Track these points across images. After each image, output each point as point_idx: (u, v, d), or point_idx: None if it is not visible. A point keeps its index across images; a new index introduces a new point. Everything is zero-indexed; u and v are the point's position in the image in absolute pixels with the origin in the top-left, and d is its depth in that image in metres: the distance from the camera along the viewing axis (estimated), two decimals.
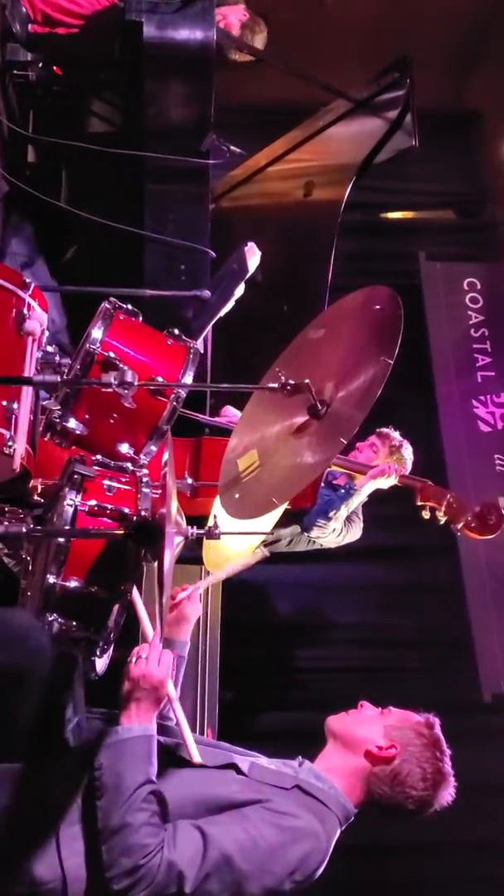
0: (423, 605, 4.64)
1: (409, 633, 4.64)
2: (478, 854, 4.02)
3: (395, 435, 3.76)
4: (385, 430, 3.76)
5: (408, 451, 3.75)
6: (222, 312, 3.48)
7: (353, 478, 3.75)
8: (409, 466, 3.69)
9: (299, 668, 4.54)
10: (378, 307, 1.92)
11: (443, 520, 3.24)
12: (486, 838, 3.98)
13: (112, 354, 2.09)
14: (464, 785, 1.97)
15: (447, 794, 1.94)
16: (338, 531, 3.54)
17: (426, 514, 3.28)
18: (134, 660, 1.87)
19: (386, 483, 3.47)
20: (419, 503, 3.28)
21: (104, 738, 1.79)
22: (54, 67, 4.20)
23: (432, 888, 4.01)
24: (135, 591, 2.02)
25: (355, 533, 3.66)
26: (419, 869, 4.00)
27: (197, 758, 1.83)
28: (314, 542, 3.64)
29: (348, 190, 4.20)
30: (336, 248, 4.17)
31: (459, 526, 3.18)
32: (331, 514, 3.45)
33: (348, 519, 3.62)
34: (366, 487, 3.47)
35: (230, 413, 3.56)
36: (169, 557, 1.66)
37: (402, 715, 2.01)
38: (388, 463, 3.55)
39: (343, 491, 3.51)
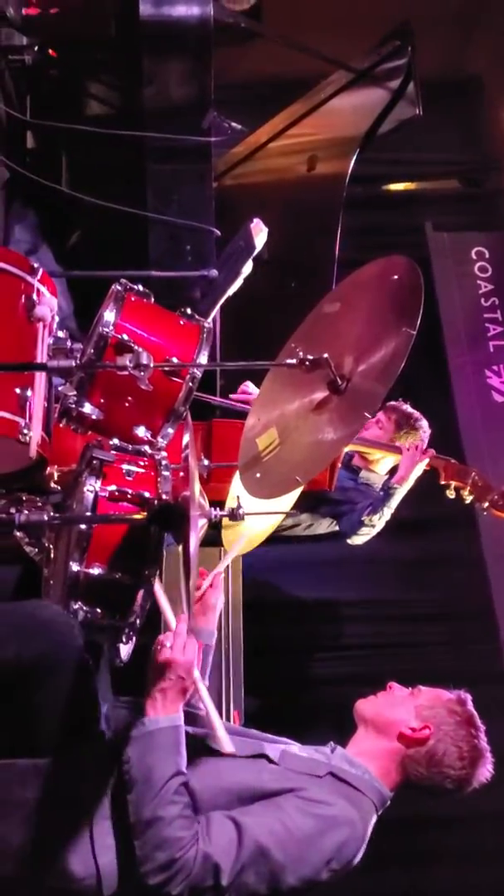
0: (443, 579, 4.62)
1: (430, 606, 4.62)
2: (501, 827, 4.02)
3: (405, 408, 3.66)
4: (393, 403, 3.66)
5: (423, 426, 3.65)
6: (230, 291, 3.44)
7: (366, 457, 3.70)
8: (426, 441, 3.61)
9: (323, 645, 4.53)
10: (396, 277, 1.88)
11: (468, 499, 3.20)
12: None
13: (125, 337, 2.06)
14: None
15: (485, 771, 1.93)
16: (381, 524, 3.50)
17: (451, 494, 3.24)
18: (158, 648, 1.85)
19: (421, 469, 3.38)
20: (444, 482, 3.24)
21: (131, 731, 1.78)
22: (50, 50, 4.15)
23: (459, 859, 4.00)
24: (155, 581, 2.00)
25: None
26: (445, 840, 4.00)
27: (229, 748, 1.81)
28: (335, 524, 3.61)
29: (352, 162, 4.14)
30: (342, 222, 4.12)
31: (485, 505, 3.15)
32: (374, 519, 3.41)
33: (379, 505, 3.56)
34: (406, 482, 3.37)
35: (249, 389, 3.51)
36: (194, 540, 1.64)
37: (432, 693, 2.00)
38: (413, 444, 3.46)
39: (381, 493, 3.45)
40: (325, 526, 3.64)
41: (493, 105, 5.65)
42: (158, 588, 1.97)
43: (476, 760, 1.91)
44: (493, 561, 4.44)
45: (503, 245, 5.24)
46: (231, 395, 3.46)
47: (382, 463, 3.69)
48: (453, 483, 3.21)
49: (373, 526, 3.40)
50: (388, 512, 3.38)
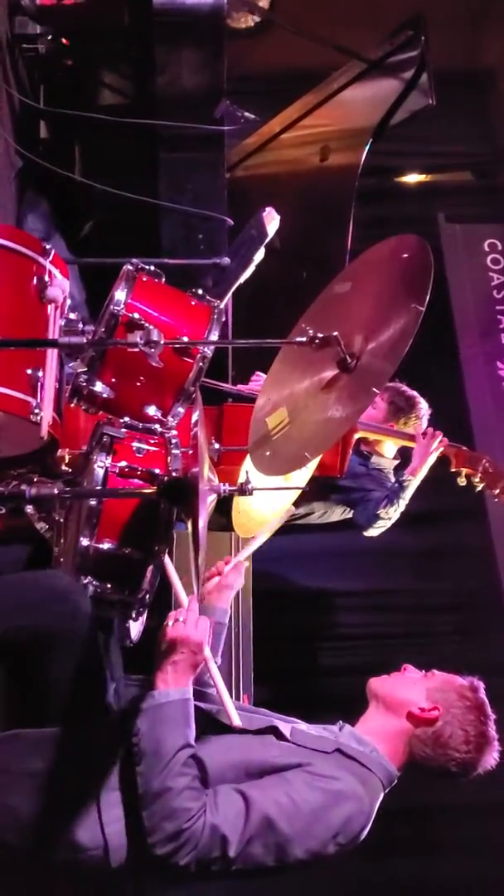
0: (453, 569, 4.63)
1: (440, 596, 4.63)
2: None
3: (400, 387, 3.59)
4: (391, 384, 3.58)
5: (421, 407, 3.59)
6: (242, 279, 3.44)
7: (368, 441, 3.69)
8: (426, 421, 3.58)
9: (332, 635, 4.55)
10: (406, 255, 1.88)
11: (479, 486, 3.19)
12: None
13: (136, 316, 2.07)
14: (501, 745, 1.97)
15: (491, 758, 1.94)
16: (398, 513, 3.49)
17: (462, 481, 3.23)
18: (171, 623, 1.86)
19: (434, 458, 3.36)
20: (454, 469, 3.23)
21: (141, 703, 1.79)
22: (63, 39, 4.16)
23: (467, 849, 4.01)
24: (166, 558, 2.00)
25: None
26: (453, 830, 4.00)
27: (237, 721, 1.83)
28: (349, 511, 3.60)
29: (365, 153, 4.14)
30: (354, 213, 4.12)
31: (496, 492, 3.14)
32: (390, 511, 3.40)
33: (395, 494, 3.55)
34: (420, 472, 3.36)
35: (260, 379, 3.51)
36: (203, 515, 1.65)
37: (445, 678, 2.01)
38: (426, 431, 3.44)
39: (396, 485, 3.44)
40: (338, 514, 3.64)
41: None
42: (169, 564, 1.98)
43: (482, 746, 1.92)
44: (502, 551, 4.43)
45: None
46: (241, 386, 3.47)
47: (387, 446, 3.67)
48: (464, 470, 3.20)
49: (388, 518, 3.40)
50: (402, 503, 3.38)
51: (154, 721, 1.76)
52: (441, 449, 3.34)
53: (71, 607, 1.79)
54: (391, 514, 3.40)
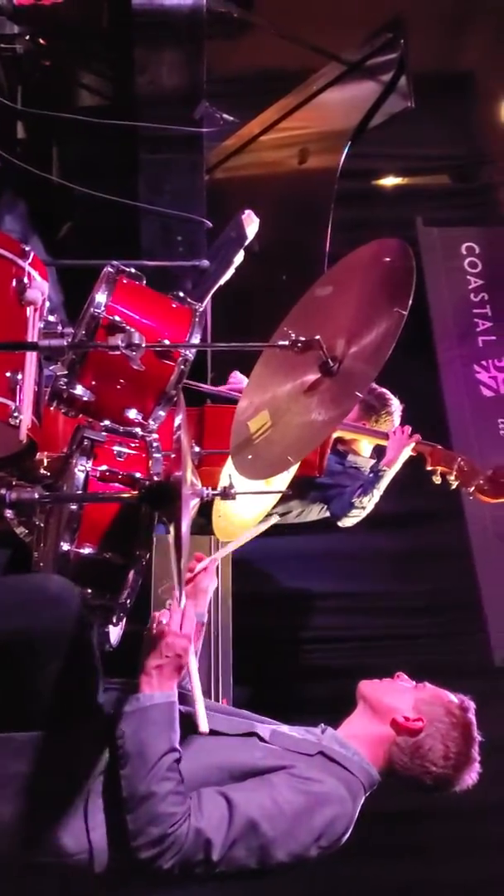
0: (431, 571, 4.64)
1: (418, 599, 4.64)
2: (488, 816, 4.04)
3: (373, 387, 3.59)
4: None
5: (393, 404, 3.63)
6: (222, 281, 3.44)
7: (344, 440, 3.70)
8: (397, 422, 3.60)
9: (310, 637, 4.55)
10: (388, 259, 1.89)
11: (454, 484, 3.21)
12: (497, 801, 4.00)
13: (117, 318, 2.05)
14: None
15: (468, 778, 1.93)
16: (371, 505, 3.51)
17: (437, 479, 3.25)
18: (155, 625, 1.85)
19: (408, 452, 3.39)
20: (430, 468, 3.25)
21: (125, 706, 1.77)
22: (41, 40, 4.13)
23: (442, 850, 4.03)
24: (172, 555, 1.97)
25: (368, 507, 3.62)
26: (428, 830, 4.02)
27: (204, 727, 1.80)
28: (324, 510, 3.61)
29: (343, 156, 4.15)
30: (332, 215, 4.13)
31: (471, 490, 3.16)
32: (364, 501, 3.41)
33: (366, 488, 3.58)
34: (395, 465, 3.38)
35: (237, 378, 3.50)
36: (186, 519, 1.64)
37: (436, 692, 2.00)
38: (399, 428, 3.47)
39: (371, 475, 3.46)
40: (315, 512, 3.65)
41: (484, 101, 5.65)
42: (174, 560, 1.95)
43: (462, 765, 1.91)
44: (480, 553, 4.46)
45: (493, 241, 5.26)
46: (220, 387, 3.46)
47: (363, 444, 3.70)
48: (439, 468, 3.22)
49: (363, 508, 3.42)
50: (377, 494, 3.40)
51: (139, 724, 1.74)
52: (414, 443, 3.37)
53: (66, 611, 1.77)
54: (365, 504, 3.42)
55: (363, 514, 3.44)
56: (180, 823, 1.66)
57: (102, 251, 3.64)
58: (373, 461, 3.68)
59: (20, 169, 3.94)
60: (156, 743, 1.72)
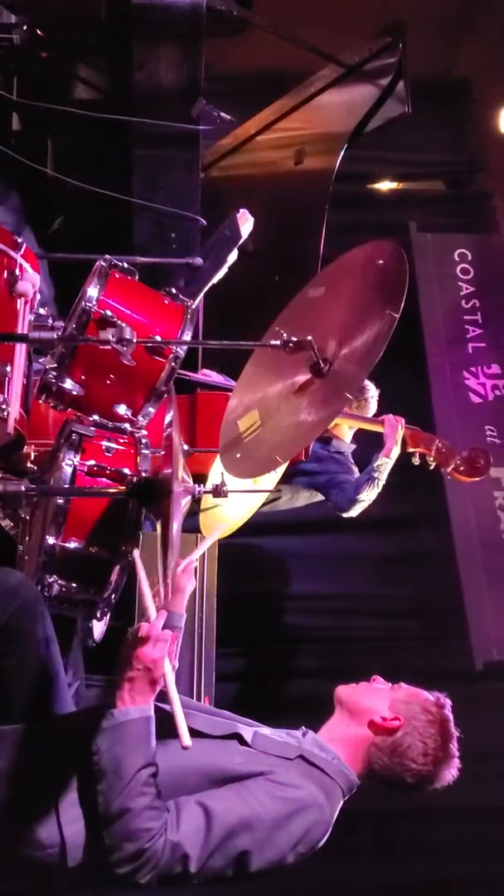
0: (415, 575, 4.66)
1: (401, 602, 4.66)
2: (467, 819, 4.06)
3: None
4: None
5: (371, 394, 3.70)
6: (215, 279, 3.43)
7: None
8: (374, 408, 3.66)
9: (293, 637, 4.56)
10: (381, 262, 1.89)
11: (432, 464, 3.29)
12: (476, 804, 4.02)
13: (108, 313, 2.04)
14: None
15: (448, 774, 1.94)
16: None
17: (416, 461, 3.33)
18: (131, 638, 1.84)
19: (400, 435, 3.44)
20: (410, 450, 3.31)
21: (101, 720, 1.76)
22: (38, 31, 4.11)
23: (422, 852, 4.04)
24: (138, 561, 1.97)
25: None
26: (409, 833, 4.04)
27: (187, 742, 1.79)
28: (315, 495, 3.63)
29: (340, 158, 4.15)
30: (327, 218, 4.13)
31: (449, 469, 3.24)
32: (371, 492, 3.45)
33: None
34: (393, 452, 3.42)
35: (212, 376, 3.53)
36: (177, 517, 1.63)
37: (411, 691, 2.02)
38: (392, 417, 3.50)
39: (371, 467, 3.47)
40: (304, 498, 3.70)
41: (480, 109, 5.68)
42: (139, 566, 1.95)
43: (441, 761, 1.92)
44: (464, 559, 4.48)
45: (486, 248, 5.28)
46: (204, 377, 3.47)
47: (344, 430, 3.75)
48: (418, 450, 3.29)
49: (368, 500, 3.48)
50: (380, 484, 3.44)
51: (114, 741, 1.73)
52: (403, 430, 3.43)
53: (27, 605, 1.76)
54: (371, 496, 3.47)
55: (366, 504, 3.49)
56: (156, 839, 1.66)
57: (95, 246, 3.62)
58: (353, 446, 3.72)
59: (14, 160, 3.92)
60: (131, 759, 1.71)
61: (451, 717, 1.96)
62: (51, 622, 1.85)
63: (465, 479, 3.29)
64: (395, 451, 3.41)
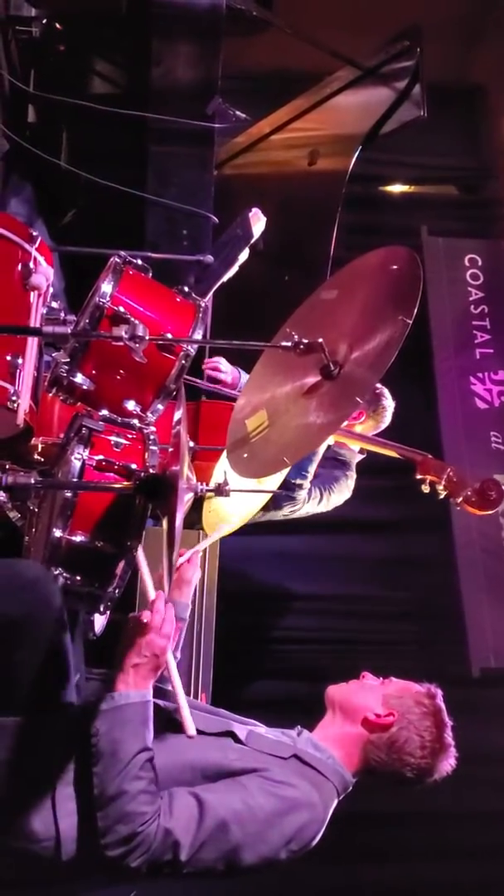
0: (415, 579, 4.66)
1: (400, 605, 4.66)
2: (462, 824, 4.07)
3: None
4: None
5: (387, 400, 3.59)
6: (225, 278, 3.44)
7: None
8: (388, 419, 3.61)
9: (292, 637, 4.56)
10: (395, 267, 1.89)
11: (442, 494, 3.21)
12: (472, 809, 4.03)
13: (122, 309, 2.05)
14: None
15: (447, 764, 1.95)
16: (316, 500, 3.47)
17: (426, 488, 3.23)
18: (133, 624, 1.85)
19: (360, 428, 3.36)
20: (419, 476, 3.25)
21: (100, 703, 1.78)
22: (57, 24, 4.12)
23: (419, 857, 4.05)
24: (140, 553, 1.99)
25: (343, 492, 3.59)
26: (405, 838, 4.04)
27: (192, 731, 1.82)
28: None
29: (353, 160, 4.16)
30: (338, 219, 4.14)
31: (459, 500, 3.16)
32: (300, 480, 3.34)
33: (334, 479, 3.55)
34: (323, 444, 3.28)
35: (221, 364, 3.50)
36: (180, 514, 1.64)
37: (402, 684, 2.02)
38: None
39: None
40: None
41: (494, 115, 5.68)
42: (142, 559, 1.96)
43: (438, 752, 1.93)
44: (464, 565, 4.48)
45: (496, 254, 5.28)
46: (204, 365, 3.45)
47: (356, 445, 3.70)
48: (428, 477, 3.22)
49: (294, 498, 3.34)
50: (308, 475, 3.31)
51: (113, 723, 1.75)
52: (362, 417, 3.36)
53: (43, 598, 1.78)
54: (302, 484, 3.34)
55: (299, 498, 3.35)
56: (149, 823, 1.68)
57: (106, 240, 3.64)
58: (360, 455, 3.70)
59: (29, 152, 3.93)
60: (129, 742, 1.73)
61: (443, 706, 1.98)
62: (65, 615, 1.86)
63: (476, 511, 3.19)
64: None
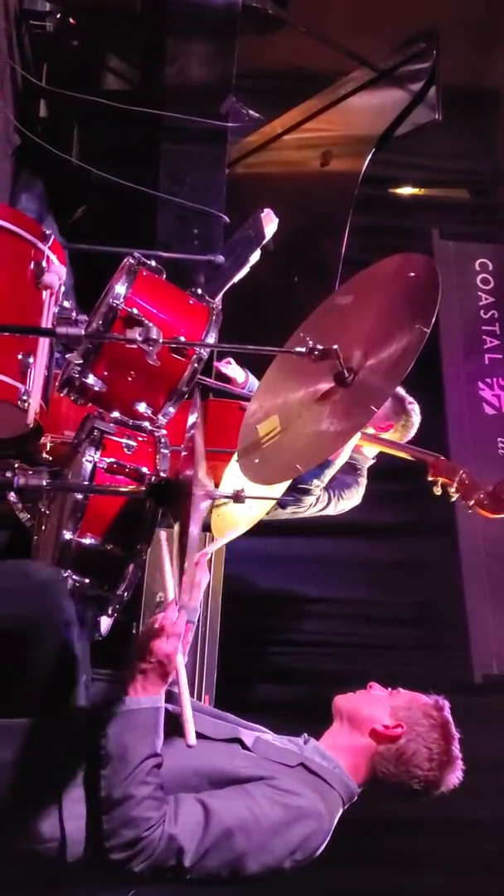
0: (419, 584, 4.65)
1: (404, 610, 4.65)
2: (465, 832, 4.06)
3: (404, 394, 3.58)
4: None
5: (416, 415, 3.60)
6: (236, 278, 3.42)
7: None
8: (414, 431, 3.61)
9: (296, 640, 4.56)
10: (413, 275, 1.88)
11: (454, 496, 3.19)
12: (474, 817, 4.02)
13: (135, 311, 2.04)
14: None
15: (454, 777, 1.95)
16: (322, 503, 3.46)
17: (437, 490, 3.23)
18: (146, 629, 1.84)
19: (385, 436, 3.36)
20: (431, 478, 3.23)
21: (111, 707, 1.77)
22: (71, 19, 4.11)
23: (423, 866, 4.05)
24: (166, 555, 1.96)
25: (354, 498, 3.59)
26: (410, 845, 4.04)
27: (192, 740, 1.80)
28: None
29: (366, 162, 4.13)
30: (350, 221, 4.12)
31: (471, 503, 3.14)
32: (315, 483, 3.32)
33: (346, 485, 3.56)
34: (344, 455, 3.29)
35: (232, 366, 3.49)
36: (196, 520, 1.63)
37: (410, 696, 2.02)
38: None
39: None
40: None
41: None
42: (166, 558, 1.94)
43: (446, 765, 1.93)
44: (469, 570, 4.47)
45: None
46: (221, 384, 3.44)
47: (369, 446, 3.69)
48: (440, 479, 3.21)
49: (301, 501, 3.33)
50: (324, 479, 3.30)
51: (123, 727, 1.75)
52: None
53: (54, 600, 1.77)
54: (314, 490, 3.33)
55: (306, 501, 3.35)
56: (154, 828, 1.67)
57: (116, 238, 3.64)
58: (373, 461, 3.68)
59: (40, 148, 3.92)
60: (138, 747, 1.73)
61: (450, 718, 1.98)
62: (76, 617, 1.85)
63: (489, 514, 3.16)
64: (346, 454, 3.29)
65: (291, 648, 4.54)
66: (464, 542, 4.48)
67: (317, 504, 3.44)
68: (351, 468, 3.63)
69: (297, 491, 3.31)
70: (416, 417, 3.60)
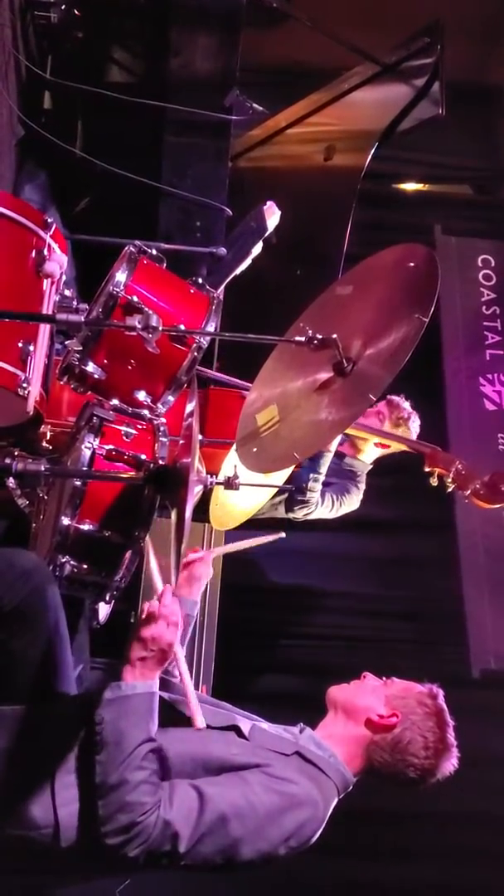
0: (418, 579, 4.65)
1: (402, 605, 4.65)
2: (463, 825, 4.07)
3: (406, 406, 3.67)
4: (396, 398, 3.68)
5: (415, 425, 3.69)
6: (238, 271, 3.43)
7: (356, 444, 3.72)
8: (415, 431, 3.65)
9: (294, 633, 4.57)
10: (413, 265, 1.88)
11: (451, 487, 3.20)
12: (471, 811, 4.03)
13: (135, 299, 2.04)
14: None
15: (450, 764, 1.96)
16: (328, 506, 3.50)
17: (434, 481, 3.24)
18: (143, 617, 1.85)
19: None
20: (427, 469, 3.25)
21: (106, 693, 1.78)
22: (76, 10, 4.11)
23: (419, 858, 4.05)
24: (148, 543, 1.98)
25: (353, 503, 3.62)
26: (406, 838, 4.04)
27: (201, 723, 1.81)
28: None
29: (370, 156, 4.13)
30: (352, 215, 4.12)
31: (467, 493, 3.16)
32: (313, 484, 3.39)
33: (345, 489, 3.60)
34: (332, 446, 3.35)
35: None
36: (190, 507, 1.64)
37: (404, 685, 2.03)
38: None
39: (308, 461, 3.41)
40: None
41: None
42: (150, 549, 1.96)
43: (441, 753, 1.94)
44: (467, 566, 4.47)
45: None
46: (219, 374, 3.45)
47: (369, 452, 3.71)
48: (437, 470, 3.22)
49: (305, 501, 3.38)
50: (318, 478, 3.36)
51: (118, 713, 1.75)
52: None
53: (36, 586, 1.78)
54: (307, 498, 3.39)
55: (311, 502, 3.40)
56: (150, 813, 1.68)
57: (119, 229, 3.64)
58: (370, 466, 3.70)
59: (44, 139, 3.92)
60: (134, 732, 1.73)
61: (445, 706, 1.98)
62: (62, 606, 1.86)
63: (485, 504, 3.17)
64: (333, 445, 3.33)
65: (288, 641, 4.54)
66: (462, 538, 4.48)
67: (323, 505, 3.48)
68: (350, 474, 3.66)
69: (298, 491, 3.35)
70: (413, 426, 3.64)
